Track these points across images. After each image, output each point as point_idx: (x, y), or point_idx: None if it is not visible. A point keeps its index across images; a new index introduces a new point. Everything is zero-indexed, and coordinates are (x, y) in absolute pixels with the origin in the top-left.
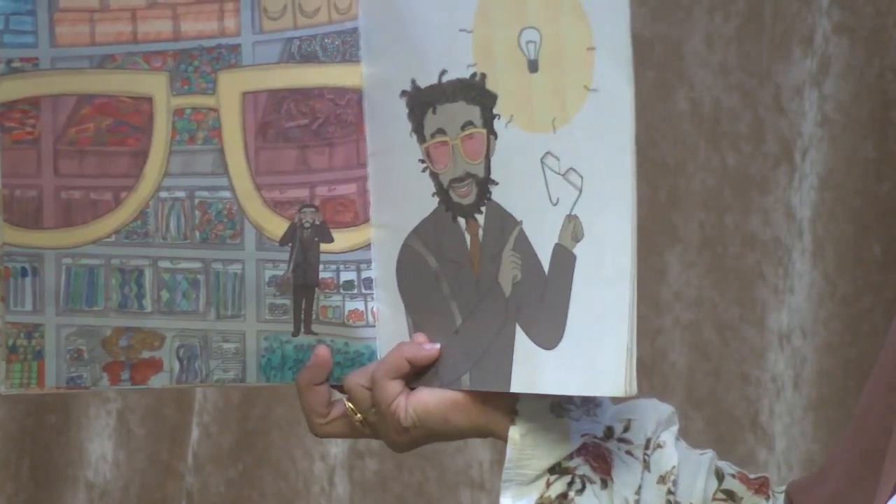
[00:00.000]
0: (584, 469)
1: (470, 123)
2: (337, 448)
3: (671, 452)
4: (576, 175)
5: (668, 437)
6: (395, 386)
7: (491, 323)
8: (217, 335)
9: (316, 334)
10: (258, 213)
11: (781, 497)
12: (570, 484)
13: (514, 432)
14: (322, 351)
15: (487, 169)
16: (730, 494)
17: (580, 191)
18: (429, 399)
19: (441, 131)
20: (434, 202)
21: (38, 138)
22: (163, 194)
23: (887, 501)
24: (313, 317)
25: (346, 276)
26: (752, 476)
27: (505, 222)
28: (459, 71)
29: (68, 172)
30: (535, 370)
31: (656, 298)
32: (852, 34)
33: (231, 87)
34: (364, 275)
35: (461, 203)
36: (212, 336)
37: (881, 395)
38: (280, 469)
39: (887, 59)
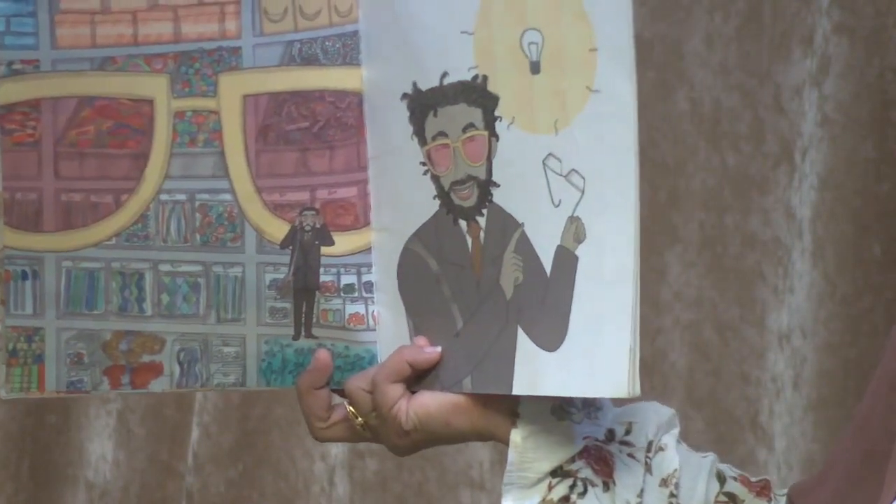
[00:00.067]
0: (586, 472)
1: (471, 125)
2: (337, 448)
3: (673, 455)
4: (578, 176)
5: (670, 439)
6: (397, 389)
7: (492, 325)
8: (217, 339)
9: (316, 338)
10: (259, 215)
11: (783, 500)
12: (572, 487)
13: (516, 435)
14: (322, 355)
15: (489, 171)
16: (731, 497)
17: (582, 192)
18: (430, 402)
19: (442, 134)
20: (435, 205)
21: (39, 140)
22: (163, 197)
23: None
24: (314, 320)
25: (346, 279)
26: (753, 479)
27: (506, 224)
28: (461, 73)
29: (69, 175)
30: (538, 372)
31: (656, 298)
32: (852, 34)
33: (232, 90)
34: (364, 278)
35: (462, 205)
36: (212, 340)
37: (883, 396)
38: (280, 469)
39: (887, 59)
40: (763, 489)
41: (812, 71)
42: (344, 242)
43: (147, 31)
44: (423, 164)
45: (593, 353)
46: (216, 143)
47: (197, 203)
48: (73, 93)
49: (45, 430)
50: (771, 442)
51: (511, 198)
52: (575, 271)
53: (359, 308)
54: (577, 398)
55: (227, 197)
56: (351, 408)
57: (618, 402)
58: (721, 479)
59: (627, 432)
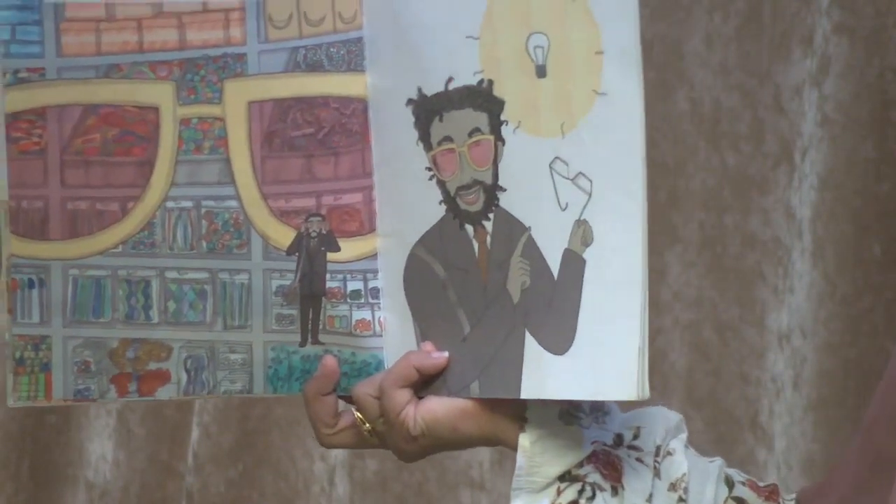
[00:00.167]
0: (595, 477)
1: (477, 130)
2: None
3: (681, 460)
4: (585, 179)
5: (678, 444)
6: (404, 395)
7: (499, 330)
8: (224, 346)
9: (323, 344)
10: (265, 222)
11: None
12: (581, 492)
13: (524, 440)
14: (329, 361)
15: (495, 175)
16: (740, 502)
17: (589, 195)
18: (437, 407)
19: (448, 139)
20: (441, 210)
21: (45, 148)
22: (169, 204)
23: None
24: (320, 327)
25: (352, 285)
26: (761, 483)
27: (513, 229)
28: (466, 78)
29: (75, 183)
30: (546, 376)
31: (656, 298)
32: (852, 34)
33: (237, 97)
34: (371, 284)
35: (469, 210)
36: (219, 347)
37: (891, 401)
38: (280, 469)
39: (887, 59)
40: (771, 494)
41: (812, 71)
42: (350, 248)
43: (152, 38)
44: (429, 169)
45: (602, 357)
46: (221, 150)
47: (203, 210)
48: (78, 101)
49: (45, 430)
50: (771, 442)
51: (517, 202)
52: (583, 274)
53: (365, 314)
54: (584, 403)
55: (233, 203)
56: (358, 414)
57: (625, 406)
58: (729, 483)
59: (636, 437)
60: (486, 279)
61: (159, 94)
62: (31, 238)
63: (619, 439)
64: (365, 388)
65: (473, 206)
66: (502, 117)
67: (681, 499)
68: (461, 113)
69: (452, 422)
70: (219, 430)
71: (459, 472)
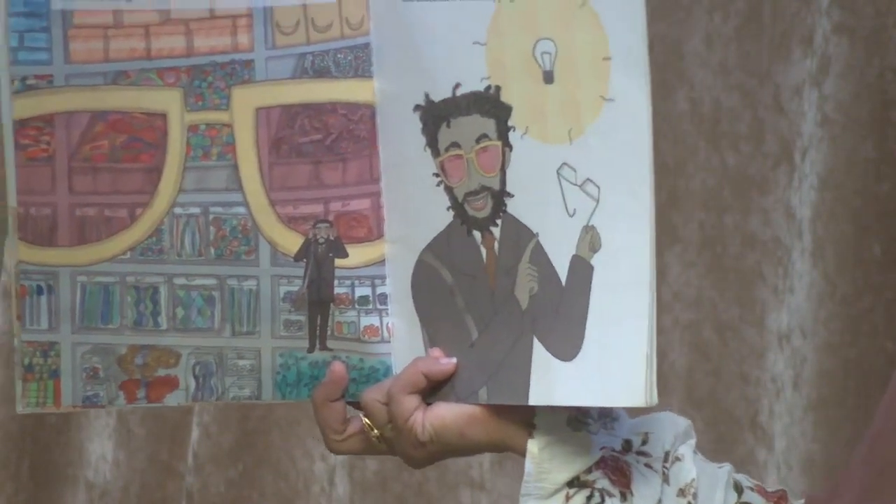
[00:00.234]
0: (604, 482)
1: (485, 136)
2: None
3: (690, 465)
4: (593, 185)
5: (687, 450)
6: (412, 401)
7: (507, 336)
8: (232, 352)
9: (331, 350)
10: (272, 228)
11: None
12: (590, 498)
13: (533, 446)
14: (337, 367)
15: (503, 181)
16: None
17: (597, 201)
18: (445, 413)
19: (455, 145)
20: (449, 216)
21: (53, 155)
22: (177, 210)
23: None
24: (328, 333)
25: (360, 291)
26: (770, 489)
27: (521, 235)
28: (473, 84)
29: (83, 189)
30: (554, 382)
31: (656, 298)
32: (852, 34)
33: (244, 103)
34: (379, 290)
35: (476, 216)
36: (227, 353)
37: None
38: (280, 469)
39: (887, 59)
40: (780, 500)
41: (812, 71)
42: (358, 254)
43: (160, 45)
44: (437, 175)
45: (610, 363)
46: (229, 157)
47: (211, 216)
48: (86, 107)
49: (45, 430)
50: (771, 442)
51: (525, 208)
52: (590, 281)
53: (373, 320)
54: (593, 409)
55: (241, 210)
56: (367, 420)
57: (633, 412)
58: (738, 489)
59: (644, 442)
60: (494, 285)
61: (167, 100)
62: (39, 245)
63: (627, 445)
64: (373, 395)
65: (481, 213)
66: (510, 123)
67: None
68: (469, 119)
69: (460, 428)
70: (219, 430)
71: (459, 472)
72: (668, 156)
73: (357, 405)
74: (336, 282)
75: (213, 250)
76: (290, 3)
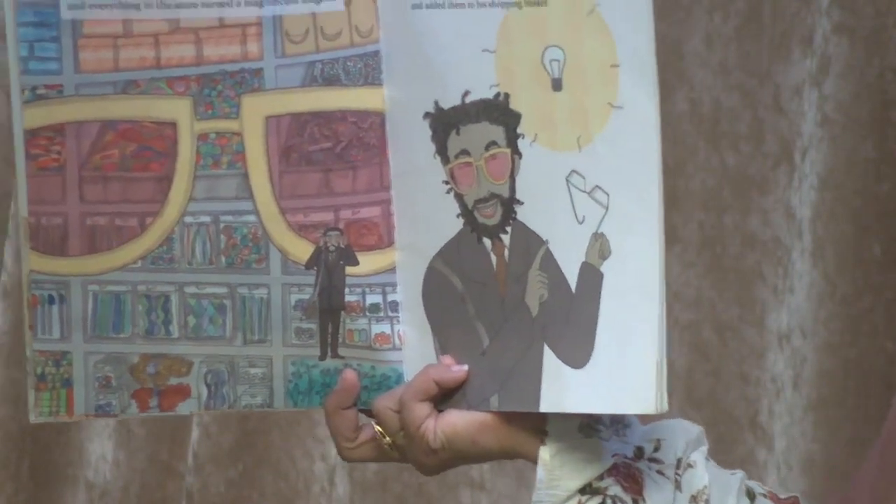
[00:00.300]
0: (616, 489)
1: (494, 143)
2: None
3: (702, 472)
4: (602, 193)
5: (699, 456)
6: (424, 408)
7: (518, 343)
8: (244, 360)
9: (343, 358)
10: (283, 236)
11: None
12: None
13: (545, 452)
14: (349, 375)
15: (512, 189)
16: None
17: (606, 208)
18: (457, 421)
19: (465, 152)
20: (459, 223)
21: (63, 165)
22: (188, 219)
23: None
24: (340, 341)
25: (371, 299)
26: (782, 496)
27: (530, 242)
28: (482, 91)
29: (93, 199)
30: (565, 389)
31: None
32: (852, 34)
33: (254, 111)
34: (390, 298)
35: (486, 224)
36: (239, 361)
37: None
38: (280, 469)
39: (887, 59)
40: None
41: (812, 71)
42: (368, 262)
43: (169, 53)
44: (446, 182)
45: (620, 370)
46: (239, 165)
47: (221, 225)
48: (96, 117)
49: (45, 430)
50: (771, 442)
51: (535, 215)
52: (600, 287)
53: (384, 328)
54: (604, 415)
55: (252, 218)
56: (378, 427)
57: (644, 418)
58: (751, 496)
59: (656, 449)
60: (505, 292)
61: (177, 109)
62: (50, 254)
63: (639, 452)
64: (385, 402)
65: (491, 220)
66: (519, 131)
67: None
68: (478, 126)
69: (472, 435)
70: (219, 430)
71: (459, 472)
72: (667, 156)
73: (369, 413)
74: (347, 289)
75: (223, 259)
76: (299, 11)
